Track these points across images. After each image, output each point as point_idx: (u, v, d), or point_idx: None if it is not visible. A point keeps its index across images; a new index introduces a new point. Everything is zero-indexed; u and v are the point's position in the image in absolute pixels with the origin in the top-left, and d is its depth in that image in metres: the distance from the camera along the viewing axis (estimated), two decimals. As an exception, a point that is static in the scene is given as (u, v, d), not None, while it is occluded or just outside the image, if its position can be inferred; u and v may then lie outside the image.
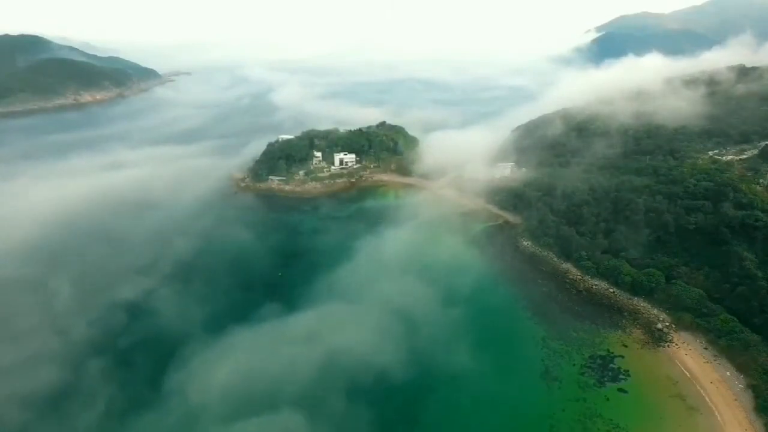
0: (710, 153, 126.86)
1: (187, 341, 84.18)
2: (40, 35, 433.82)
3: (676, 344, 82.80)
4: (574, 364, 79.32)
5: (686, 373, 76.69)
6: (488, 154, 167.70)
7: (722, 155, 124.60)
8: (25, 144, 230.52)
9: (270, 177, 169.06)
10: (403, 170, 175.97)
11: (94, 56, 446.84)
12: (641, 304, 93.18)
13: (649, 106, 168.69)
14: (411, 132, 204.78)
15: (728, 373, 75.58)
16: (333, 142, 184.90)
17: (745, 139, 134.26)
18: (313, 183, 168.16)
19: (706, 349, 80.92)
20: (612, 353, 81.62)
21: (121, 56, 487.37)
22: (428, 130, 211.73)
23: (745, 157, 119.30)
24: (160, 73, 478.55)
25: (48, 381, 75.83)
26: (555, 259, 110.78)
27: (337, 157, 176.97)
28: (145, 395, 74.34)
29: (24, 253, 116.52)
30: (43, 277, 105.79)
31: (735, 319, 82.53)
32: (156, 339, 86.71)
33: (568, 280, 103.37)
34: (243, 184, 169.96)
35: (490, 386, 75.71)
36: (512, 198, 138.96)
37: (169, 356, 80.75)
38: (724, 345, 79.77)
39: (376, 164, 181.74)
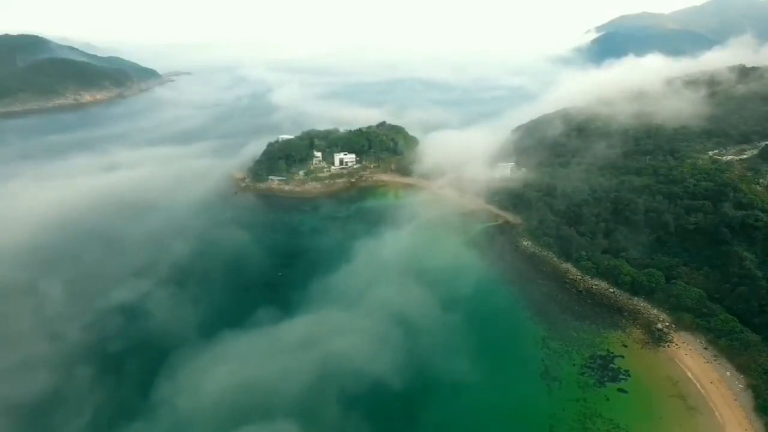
0: (710, 153, 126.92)
1: (184, 345, 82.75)
2: (40, 35, 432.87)
3: (676, 344, 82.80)
4: (574, 364, 79.33)
5: (686, 373, 76.67)
6: (488, 154, 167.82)
7: (722, 155, 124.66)
8: (24, 144, 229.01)
9: (270, 177, 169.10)
10: (403, 170, 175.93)
11: (94, 56, 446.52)
12: (641, 304, 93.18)
13: (649, 106, 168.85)
14: (411, 132, 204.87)
15: (728, 373, 75.60)
16: (333, 142, 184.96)
17: (745, 139, 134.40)
18: (313, 183, 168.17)
19: (706, 349, 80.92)
20: (612, 353, 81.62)
21: (121, 56, 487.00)
22: (428, 130, 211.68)
23: (745, 157, 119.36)
24: (160, 73, 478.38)
25: (34, 387, 74.32)
26: (555, 259, 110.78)
27: (337, 157, 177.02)
28: (135, 403, 73.07)
29: (17, 254, 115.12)
30: (36, 279, 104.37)
31: (735, 319, 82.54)
32: (151, 343, 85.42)
33: (568, 280, 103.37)
34: (243, 184, 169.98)
35: (490, 386, 75.68)
36: (512, 198, 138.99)
37: (162, 361, 79.37)
38: (724, 345, 79.78)
39: (376, 164, 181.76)
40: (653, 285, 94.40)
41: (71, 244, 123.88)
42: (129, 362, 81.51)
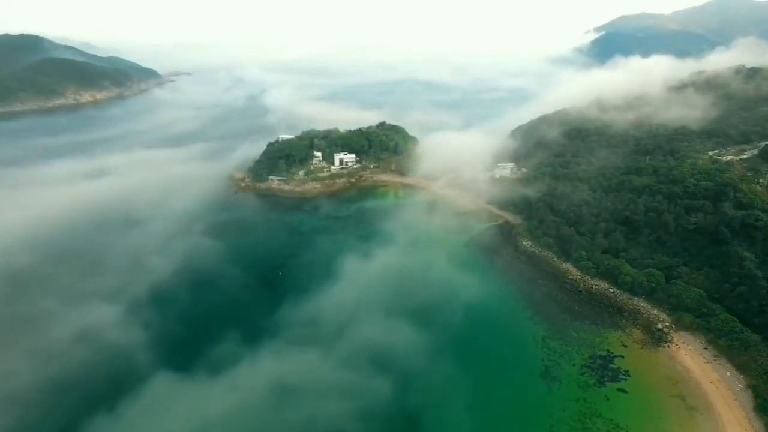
0: (710, 153, 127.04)
1: (131, 388, 73.64)
2: (40, 35, 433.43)
3: (676, 344, 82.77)
4: (574, 364, 79.31)
5: (686, 373, 76.64)
6: (488, 154, 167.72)
7: (722, 155, 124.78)
8: (14, 147, 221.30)
9: (270, 177, 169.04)
10: (403, 170, 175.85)
11: (94, 56, 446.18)
12: (641, 304, 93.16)
13: (649, 106, 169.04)
14: (411, 132, 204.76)
15: (728, 373, 75.59)
16: (333, 142, 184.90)
17: (745, 139, 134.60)
18: (313, 183, 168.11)
19: (706, 349, 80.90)
20: (612, 353, 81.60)
21: (121, 56, 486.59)
22: (428, 131, 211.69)
23: (745, 157, 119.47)
24: (160, 73, 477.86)
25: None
26: (555, 259, 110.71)
27: (337, 157, 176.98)
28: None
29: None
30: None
31: (735, 319, 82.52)
32: (88, 384, 75.49)
33: (568, 280, 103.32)
34: (243, 184, 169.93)
35: (491, 386, 75.76)
36: (512, 198, 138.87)
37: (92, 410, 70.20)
38: (724, 345, 79.77)
39: (376, 164, 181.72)
40: (653, 285, 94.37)
41: (48, 255, 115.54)
42: (52, 411, 70.67)
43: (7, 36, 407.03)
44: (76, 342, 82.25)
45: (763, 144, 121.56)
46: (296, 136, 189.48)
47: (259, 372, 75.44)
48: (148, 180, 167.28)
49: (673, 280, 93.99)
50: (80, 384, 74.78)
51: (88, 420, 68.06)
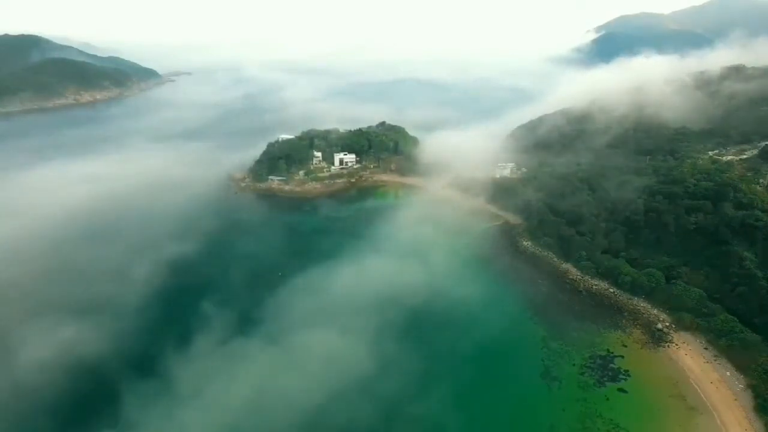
0: (710, 153, 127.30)
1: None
2: (40, 35, 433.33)
3: (676, 344, 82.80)
4: (574, 364, 79.34)
5: (686, 373, 76.67)
6: (488, 154, 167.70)
7: (722, 155, 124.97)
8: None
9: (270, 177, 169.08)
10: (403, 170, 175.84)
11: (94, 56, 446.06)
12: (641, 304, 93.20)
13: (650, 106, 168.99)
14: (411, 132, 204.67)
15: (728, 373, 75.60)
16: (333, 142, 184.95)
17: (745, 139, 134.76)
18: (313, 183, 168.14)
19: (706, 349, 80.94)
20: (612, 353, 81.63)
21: (122, 56, 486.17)
22: (428, 131, 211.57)
23: (745, 157, 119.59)
24: (160, 73, 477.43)
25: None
26: (555, 259, 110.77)
27: (337, 157, 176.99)
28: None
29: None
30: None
31: (735, 319, 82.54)
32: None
33: (568, 280, 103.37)
34: (243, 185, 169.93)
35: (490, 386, 75.83)
36: (512, 198, 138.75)
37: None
38: (724, 345, 79.78)
39: (376, 164, 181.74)
40: (653, 285, 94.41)
41: (53, 255, 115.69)
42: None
43: (7, 36, 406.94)
44: (60, 354, 77.79)
45: (763, 144, 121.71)
46: (296, 136, 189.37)
47: (248, 389, 72.75)
48: (147, 180, 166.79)
49: (673, 280, 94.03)
50: (44, 408, 70.29)
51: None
